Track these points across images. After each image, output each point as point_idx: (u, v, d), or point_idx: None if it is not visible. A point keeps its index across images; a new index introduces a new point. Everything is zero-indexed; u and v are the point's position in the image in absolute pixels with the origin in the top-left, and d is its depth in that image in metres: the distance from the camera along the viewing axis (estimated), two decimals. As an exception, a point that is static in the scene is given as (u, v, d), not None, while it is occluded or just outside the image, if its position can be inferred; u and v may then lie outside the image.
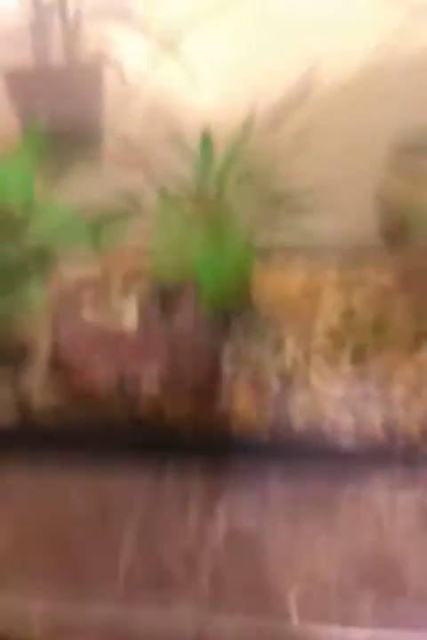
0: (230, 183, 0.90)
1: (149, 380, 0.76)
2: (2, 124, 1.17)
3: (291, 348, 0.88)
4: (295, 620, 0.61)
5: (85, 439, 0.80)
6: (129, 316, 0.76)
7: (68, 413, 0.80)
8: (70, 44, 1.14)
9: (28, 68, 1.14)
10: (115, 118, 1.17)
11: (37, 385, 0.81)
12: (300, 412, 0.78)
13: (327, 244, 1.10)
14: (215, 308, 0.71)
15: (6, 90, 1.13)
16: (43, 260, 1.00)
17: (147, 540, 0.70)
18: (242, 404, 0.77)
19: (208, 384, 0.75)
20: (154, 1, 1.15)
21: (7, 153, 0.96)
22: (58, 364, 0.79)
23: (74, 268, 0.91)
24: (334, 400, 0.79)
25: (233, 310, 0.80)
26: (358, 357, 0.88)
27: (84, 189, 1.08)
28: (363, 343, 0.90)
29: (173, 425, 0.77)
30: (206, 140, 0.89)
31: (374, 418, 0.77)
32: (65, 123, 1.12)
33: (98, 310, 0.77)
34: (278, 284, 1.07)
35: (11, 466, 0.79)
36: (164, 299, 0.75)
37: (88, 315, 0.77)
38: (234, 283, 0.68)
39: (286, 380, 0.82)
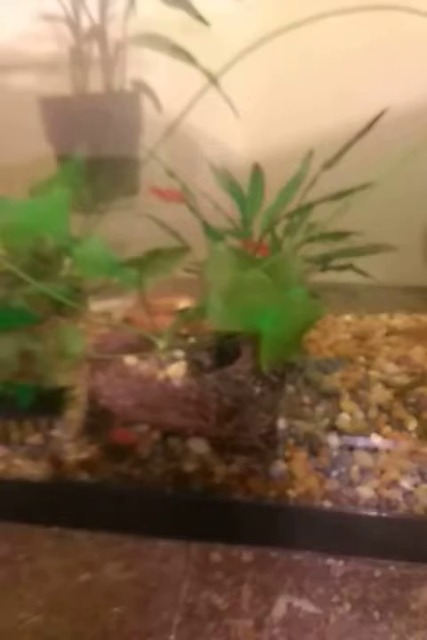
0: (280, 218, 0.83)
1: (196, 436, 0.68)
2: (36, 151, 1.12)
3: (348, 403, 0.80)
4: None
5: (121, 499, 0.71)
6: (176, 364, 0.69)
7: (103, 468, 0.72)
8: (109, 71, 1.09)
9: (64, 94, 1.09)
10: (153, 148, 1.11)
11: (71, 435, 0.74)
12: (364, 476, 0.69)
13: (378, 285, 1.02)
14: (274, 360, 0.64)
15: (41, 116, 1.08)
16: (78, 297, 0.93)
17: (196, 624, 0.61)
18: (299, 467, 0.68)
19: (262, 443, 0.67)
20: (195, 30, 1.10)
21: (44, 184, 0.90)
22: (94, 413, 0.71)
23: (113, 309, 0.84)
24: (402, 461, 0.70)
25: (288, 360, 0.72)
26: (423, 408, 0.80)
27: (122, 222, 1.01)
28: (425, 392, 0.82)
29: (223, 488, 0.68)
30: (257, 172, 0.82)
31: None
32: (102, 151, 1.06)
33: (141, 358, 0.70)
34: (329, 326, 0.99)
35: (40, 536, 0.71)
36: (216, 347, 0.68)
37: (130, 361, 0.70)
38: (299, 334, 0.61)
39: (347, 438, 0.73)
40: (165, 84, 1.17)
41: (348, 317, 1.02)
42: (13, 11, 1.12)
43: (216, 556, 0.69)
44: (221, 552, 0.69)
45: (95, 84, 1.13)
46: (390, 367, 0.88)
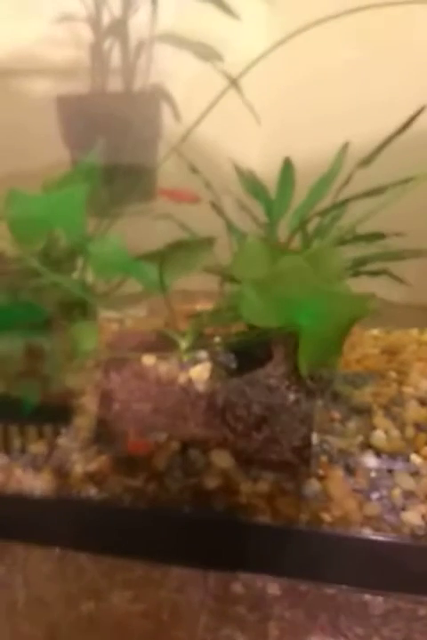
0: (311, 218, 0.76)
1: (220, 447, 0.59)
2: (54, 157, 1.05)
3: (382, 420, 0.71)
4: None
5: (132, 518, 0.62)
6: (199, 366, 0.60)
7: (113, 482, 0.62)
8: (129, 71, 1.04)
9: (81, 92, 1.03)
10: (173, 148, 1.05)
11: (79, 444, 0.65)
12: (408, 500, 0.59)
13: (402, 303, 0.94)
14: (314, 362, 0.55)
15: (58, 115, 1.02)
16: (93, 296, 0.85)
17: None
18: (336, 487, 0.59)
19: (295, 458, 0.58)
20: (217, 30, 1.05)
21: (59, 181, 0.82)
22: (106, 419, 0.62)
23: (131, 309, 0.76)
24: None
25: (328, 364, 0.64)
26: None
27: (138, 227, 0.94)
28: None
29: (248, 508, 0.59)
30: (288, 165, 0.75)
31: None
32: (119, 153, 1.00)
33: (161, 359, 0.61)
34: (356, 339, 0.90)
35: (38, 558, 0.61)
36: (245, 348, 0.59)
37: (148, 361, 0.61)
38: (343, 332, 0.52)
39: (385, 458, 0.64)
40: (185, 94, 1.11)
41: (375, 331, 0.93)
42: (33, 13, 1.07)
43: (238, 588, 0.60)
44: (244, 583, 0.60)
45: (116, 86, 1.08)
46: (425, 383, 0.79)
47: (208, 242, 0.65)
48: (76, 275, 0.91)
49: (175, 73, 1.10)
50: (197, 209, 0.86)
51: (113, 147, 0.99)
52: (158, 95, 1.07)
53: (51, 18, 1.05)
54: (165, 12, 1.06)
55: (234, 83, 1.00)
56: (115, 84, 1.11)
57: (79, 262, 0.90)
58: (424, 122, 0.81)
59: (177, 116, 1.11)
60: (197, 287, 0.80)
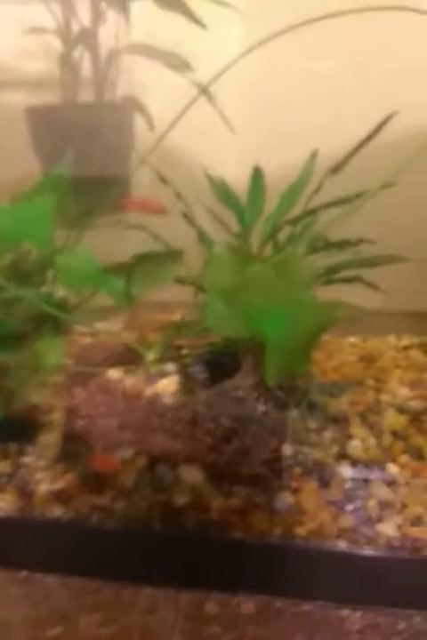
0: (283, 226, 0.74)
1: (189, 462, 0.57)
2: (23, 163, 1.03)
3: (359, 429, 0.69)
4: None
5: (100, 537, 0.60)
6: (167, 379, 0.58)
7: (80, 501, 0.60)
8: (100, 81, 1.02)
9: (51, 102, 1.02)
10: (144, 157, 1.03)
11: (44, 462, 0.62)
12: (384, 511, 0.57)
13: (377, 310, 0.93)
14: (281, 372, 0.53)
15: (27, 126, 1.00)
16: (61, 310, 0.83)
17: None
18: (309, 500, 0.57)
19: (266, 471, 0.56)
20: (188, 39, 1.04)
21: (27, 193, 0.80)
22: (71, 436, 0.60)
23: (106, 322, 0.73)
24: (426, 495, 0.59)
25: (297, 373, 0.62)
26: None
27: (110, 238, 0.92)
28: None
29: (220, 524, 0.57)
30: (258, 173, 0.73)
31: None
32: (91, 164, 0.98)
33: (127, 373, 0.59)
34: (333, 347, 0.89)
35: (3, 582, 0.58)
36: (213, 360, 0.57)
37: (114, 374, 0.59)
38: (310, 341, 0.51)
39: (361, 468, 0.62)
40: (161, 105, 1.10)
41: (353, 339, 0.92)
42: (1, 26, 1.05)
43: (211, 607, 0.57)
44: (218, 602, 0.58)
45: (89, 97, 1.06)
46: (403, 391, 0.78)
47: (177, 253, 0.63)
48: (46, 288, 0.89)
49: (151, 85, 1.09)
50: (171, 220, 0.84)
51: (84, 158, 0.97)
52: (131, 106, 1.06)
53: (20, 30, 1.04)
54: (138, 24, 1.05)
55: (204, 91, 0.99)
56: (88, 96, 1.10)
57: (50, 275, 0.88)
58: (399, 128, 0.81)
59: (151, 126, 1.10)
60: (176, 298, 0.78)
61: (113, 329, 0.87)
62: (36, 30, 1.03)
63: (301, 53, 1.03)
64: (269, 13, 0.95)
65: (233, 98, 1.06)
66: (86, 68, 1.08)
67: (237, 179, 0.88)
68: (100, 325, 0.85)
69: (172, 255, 0.64)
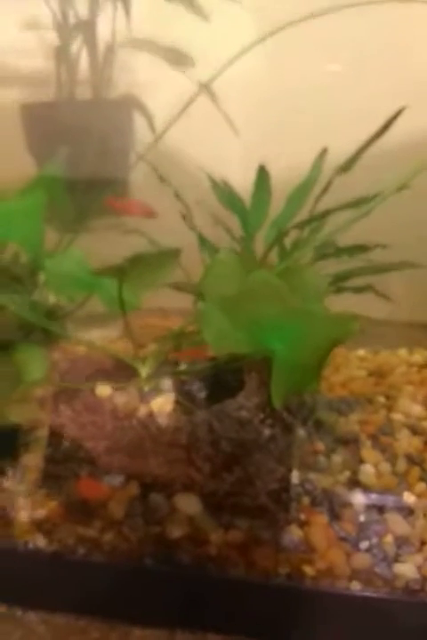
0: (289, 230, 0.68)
1: (185, 491, 0.50)
2: (18, 163, 0.97)
3: (370, 452, 0.63)
4: None
5: (87, 572, 0.53)
6: (162, 397, 0.51)
7: (64, 531, 0.53)
8: (98, 77, 0.96)
9: (47, 100, 0.96)
10: (142, 155, 0.97)
11: (26, 487, 0.55)
12: (402, 548, 0.51)
13: (385, 320, 0.86)
14: (289, 392, 0.47)
15: (22, 124, 0.94)
16: (52, 317, 0.77)
17: None
18: (319, 535, 0.50)
19: (271, 503, 0.49)
20: (188, 35, 0.98)
21: (18, 192, 0.74)
22: (55, 459, 0.53)
23: (89, 331, 0.67)
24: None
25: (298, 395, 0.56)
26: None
27: (107, 242, 0.86)
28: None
29: (219, 560, 0.50)
30: (263, 173, 0.67)
31: None
32: (88, 164, 0.92)
33: (118, 389, 0.52)
34: (340, 360, 0.82)
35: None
36: (214, 376, 0.51)
37: (103, 391, 0.53)
38: (322, 357, 0.44)
39: (375, 497, 0.55)
40: (164, 105, 1.04)
41: (361, 352, 0.85)
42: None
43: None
44: (216, 646, 0.51)
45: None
46: (416, 409, 0.71)
47: (173, 254, 0.57)
48: (38, 293, 0.83)
49: (154, 84, 1.03)
50: (171, 224, 0.78)
51: (80, 157, 0.91)
52: (131, 104, 1.00)
53: (17, 25, 0.98)
54: (139, 19, 0.99)
55: (204, 88, 0.93)
56: (86, 95, 1.03)
57: (42, 279, 0.81)
58: (410, 127, 0.74)
59: (152, 126, 1.03)
60: (175, 306, 0.72)
61: (110, 336, 0.81)
62: (34, 25, 0.97)
63: (307, 49, 0.97)
64: (274, 8, 0.90)
65: (237, 96, 1.00)
66: (85, 65, 1.02)
67: (242, 181, 0.82)
68: (96, 334, 0.79)
69: (168, 256, 0.57)
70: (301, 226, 0.66)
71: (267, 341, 0.44)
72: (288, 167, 0.76)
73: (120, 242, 0.88)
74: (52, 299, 0.83)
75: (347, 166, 0.68)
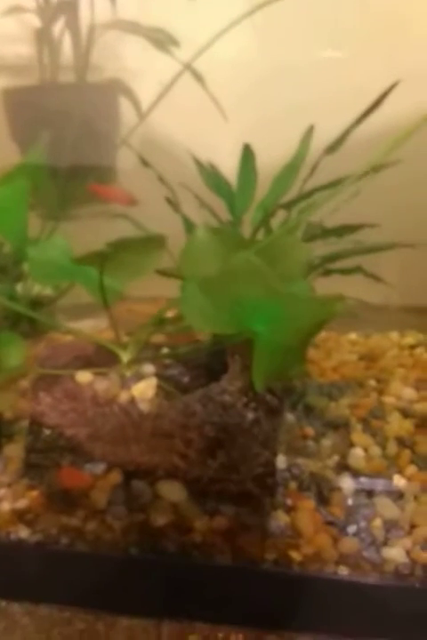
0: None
1: (170, 477, 0.49)
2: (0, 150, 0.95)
3: (361, 436, 0.62)
4: None
5: (70, 561, 0.52)
6: (144, 382, 0.50)
7: (46, 521, 0.52)
8: (81, 59, 0.94)
9: (29, 84, 0.93)
10: (126, 137, 0.95)
11: (7, 477, 0.54)
12: (391, 532, 0.50)
13: (378, 305, 0.84)
14: (272, 375, 0.46)
15: (4, 110, 0.92)
16: (37, 307, 0.75)
17: None
18: (306, 520, 0.49)
19: (257, 488, 0.48)
20: (175, 17, 0.95)
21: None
22: (36, 448, 0.52)
23: (73, 319, 0.66)
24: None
25: (290, 376, 0.54)
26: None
27: (92, 229, 0.84)
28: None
29: (204, 547, 0.49)
30: (248, 152, 0.65)
31: None
32: (72, 150, 0.90)
33: (99, 375, 0.51)
34: (332, 345, 0.81)
35: None
36: (197, 360, 0.50)
37: (83, 377, 0.51)
38: (305, 339, 0.43)
39: (364, 481, 0.54)
40: (150, 89, 1.01)
41: (353, 336, 0.84)
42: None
43: (195, 640, 0.49)
44: (203, 634, 0.50)
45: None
46: (408, 392, 0.70)
47: (159, 240, 0.55)
48: (23, 283, 0.81)
49: (141, 68, 1.01)
50: (158, 210, 0.76)
51: (65, 143, 0.89)
52: (116, 88, 0.98)
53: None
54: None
55: (188, 67, 0.90)
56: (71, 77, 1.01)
57: (26, 269, 0.80)
58: (400, 108, 0.73)
59: (139, 110, 1.01)
60: (164, 293, 0.70)
61: (100, 326, 0.79)
62: (16, 10, 0.94)
63: (297, 30, 0.95)
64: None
65: (230, 82, 0.97)
66: (68, 49, 1.00)
67: (231, 165, 0.80)
68: (87, 324, 0.77)
69: (153, 242, 0.56)
70: (287, 206, 0.64)
71: (249, 323, 0.42)
72: (280, 151, 0.74)
73: (107, 229, 0.86)
74: (36, 288, 0.82)
75: (334, 147, 0.66)
